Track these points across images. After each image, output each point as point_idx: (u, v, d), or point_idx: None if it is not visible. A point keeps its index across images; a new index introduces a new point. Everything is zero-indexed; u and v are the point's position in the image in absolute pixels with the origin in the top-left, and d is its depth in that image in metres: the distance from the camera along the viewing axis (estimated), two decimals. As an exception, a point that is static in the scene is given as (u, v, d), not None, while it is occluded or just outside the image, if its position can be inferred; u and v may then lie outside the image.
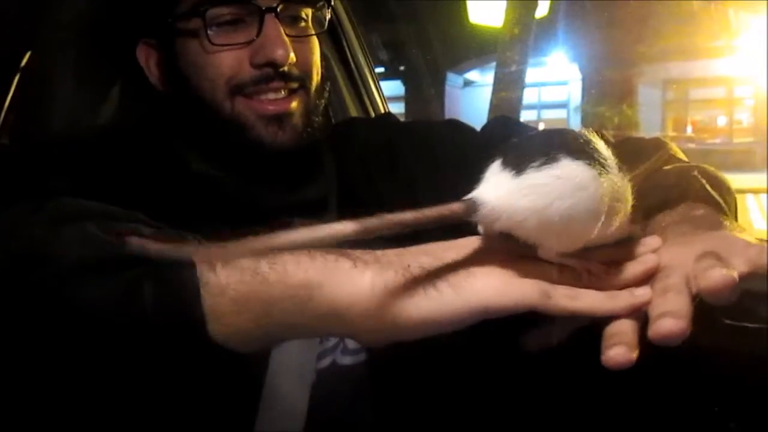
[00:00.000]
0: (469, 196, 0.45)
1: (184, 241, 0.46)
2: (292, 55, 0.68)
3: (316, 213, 0.73)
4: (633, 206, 0.46)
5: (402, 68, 11.04)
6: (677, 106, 12.15)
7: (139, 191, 0.67)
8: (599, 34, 9.56)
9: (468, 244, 0.47)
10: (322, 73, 0.75)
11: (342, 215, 0.76)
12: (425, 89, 10.85)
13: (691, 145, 10.83)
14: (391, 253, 0.46)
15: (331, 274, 0.43)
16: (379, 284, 0.43)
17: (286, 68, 0.68)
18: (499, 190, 0.43)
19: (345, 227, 0.44)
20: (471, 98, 11.81)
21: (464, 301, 0.42)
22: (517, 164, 0.43)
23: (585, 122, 10.86)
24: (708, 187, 0.60)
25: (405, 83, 11.27)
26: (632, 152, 0.68)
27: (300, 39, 0.71)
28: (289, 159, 0.70)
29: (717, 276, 0.39)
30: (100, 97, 0.85)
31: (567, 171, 0.41)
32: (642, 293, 0.43)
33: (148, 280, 0.43)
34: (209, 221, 0.69)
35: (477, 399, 0.72)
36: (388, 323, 0.43)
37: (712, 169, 0.66)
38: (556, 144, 0.43)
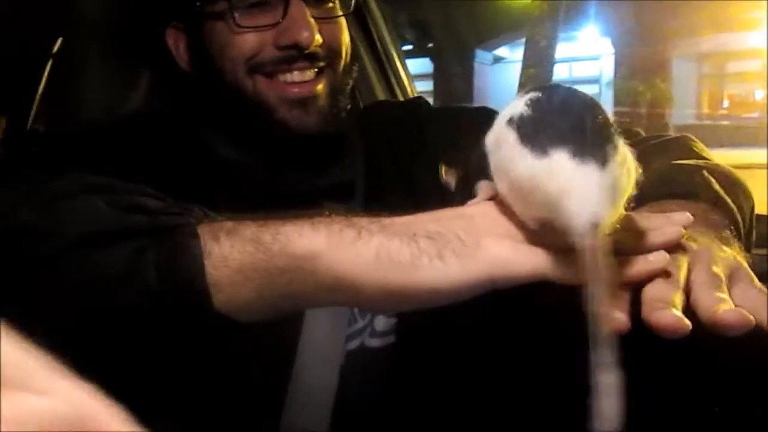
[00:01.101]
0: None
1: (190, 213, 0.47)
2: (317, 36, 0.67)
3: (344, 197, 0.74)
4: (636, 198, 0.45)
5: (430, 45, 10.93)
6: (713, 80, 11.85)
7: (166, 177, 0.68)
8: (632, 7, 9.35)
9: (476, 212, 0.46)
10: (350, 54, 0.74)
11: (369, 199, 0.77)
12: (453, 66, 10.75)
13: (725, 122, 10.57)
14: (398, 222, 0.45)
15: (335, 245, 0.43)
16: (384, 254, 0.42)
17: (312, 49, 0.68)
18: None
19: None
20: (500, 75, 11.67)
21: (470, 271, 0.42)
22: None
23: (617, 97, 10.67)
24: (717, 186, 0.57)
25: (433, 60, 11.17)
26: (653, 150, 0.66)
27: (327, 20, 0.70)
28: (316, 142, 0.70)
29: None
30: (130, 83, 0.86)
31: (499, 136, 0.44)
32: (656, 259, 0.42)
33: (151, 251, 0.43)
34: (236, 206, 0.70)
35: (504, 381, 0.72)
36: (394, 293, 0.42)
37: (728, 168, 0.63)
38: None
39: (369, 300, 0.43)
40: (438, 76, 11.16)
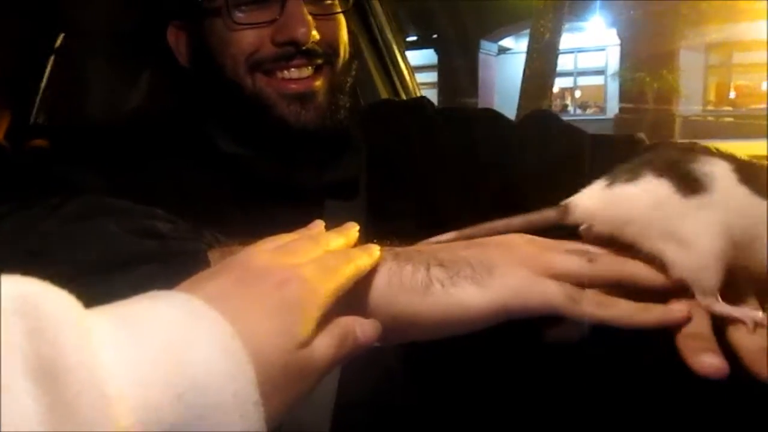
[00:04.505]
0: (564, 202, 0.46)
1: (201, 238, 0.46)
2: (314, 33, 0.68)
3: (346, 195, 0.74)
4: None
5: (435, 36, 10.90)
6: (720, 70, 11.78)
7: (171, 176, 0.68)
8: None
9: (491, 242, 0.45)
10: (350, 51, 0.74)
11: (372, 199, 0.77)
12: (458, 58, 10.72)
13: (724, 119, 10.52)
14: (411, 249, 0.44)
15: None
16: (396, 280, 0.41)
17: (309, 46, 0.68)
18: (590, 199, 0.45)
19: (445, 236, 0.47)
20: (506, 66, 11.63)
21: (485, 301, 0.41)
22: (614, 176, 0.44)
23: (623, 88, 10.62)
24: None
25: (438, 52, 11.14)
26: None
27: (325, 17, 0.70)
28: (316, 139, 0.70)
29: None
30: (131, 79, 0.86)
31: (645, 187, 0.42)
32: (679, 309, 0.41)
33: (161, 278, 0.42)
34: (241, 202, 0.70)
35: (509, 383, 0.72)
36: (405, 320, 0.41)
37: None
38: (647, 160, 0.44)
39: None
40: (443, 67, 11.14)
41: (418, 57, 11.77)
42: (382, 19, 1.12)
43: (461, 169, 0.76)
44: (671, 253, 0.41)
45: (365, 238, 0.45)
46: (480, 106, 10.56)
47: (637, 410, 0.68)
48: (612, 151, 0.70)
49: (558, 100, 12.69)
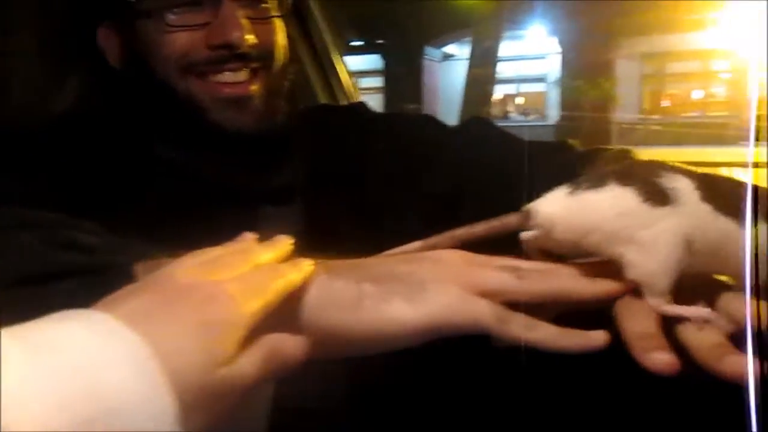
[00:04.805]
0: (526, 207, 0.46)
1: (128, 250, 0.45)
2: (250, 36, 0.67)
3: (285, 200, 0.73)
4: None
5: (380, 42, 10.96)
6: (654, 79, 12.21)
7: (104, 180, 0.66)
8: (578, 7, 9.56)
9: (426, 257, 0.45)
10: (287, 55, 0.74)
11: (310, 203, 0.76)
12: (403, 63, 10.79)
13: (656, 128, 10.91)
14: (344, 264, 0.44)
15: None
16: (327, 297, 0.41)
17: (244, 50, 0.67)
18: (552, 205, 0.45)
19: (411, 246, 0.47)
20: (450, 72, 11.77)
21: (416, 318, 0.40)
22: (576, 184, 0.45)
23: (563, 96, 10.90)
24: None
25: (383, 57, 11.20)
26: (592, 162, 0.67)
27: (261, 21, 0.70)
28: (252, 144, 0.70)
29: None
30: (59, 81, 0.84)
31: (610, 195, 0.43)
32: (597, 337, 0.42)
33: (84, 293, 0.39)
34: (176, 208, 0.69)
35: (452, 389, 0.72)
36: (335, 338, 0.41)
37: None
38: (611, 170, 0.45)
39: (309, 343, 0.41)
40: (388, 72, 11.20)
41: (364, 62, 11.83)
42: (321, 24, 1.11)
43: (399, 174, 0.77)
44: (630, 256, 0.42)
45: (305, 245, 0.45)
46: (424, 112, 10.67)
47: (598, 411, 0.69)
48: (546, 158, 0.71)
49: (501, 106, 12.91)
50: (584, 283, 0.44)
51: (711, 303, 0.44)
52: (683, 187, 0.43)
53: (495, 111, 12.22)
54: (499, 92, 12.86)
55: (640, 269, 0.42)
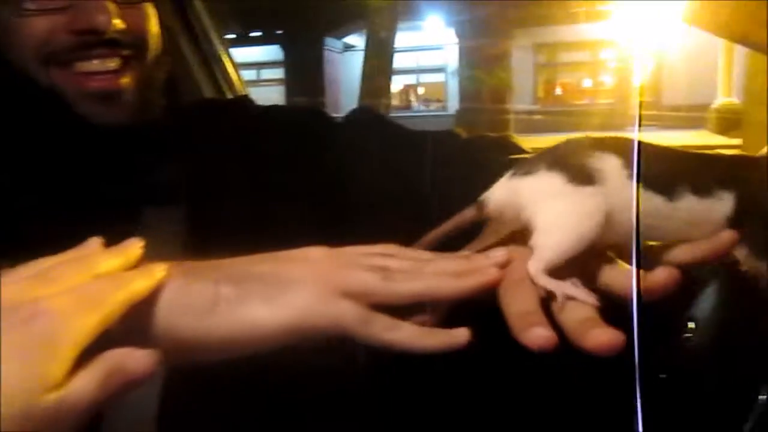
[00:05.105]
0: (480, 198, 0.47)
1: None
2: (117, 21, 0.62)
3: (166, 201, 0.69)
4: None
5: (280, 32, 10.82)
6: (547, 69, 12.71)
7: None
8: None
9: (291, 256, 0.44)
10: (162, 45, 0.70)
11: (194, 204, 0.72)
12: (303, 54, 10.71)
13: (538, 117, 11.39)
14: (204, 265, 0.42)
15: None
16: (180, 303, 0.39)
17: (112, 35, 0.62)
18: (497, 193, 0.47)
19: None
20: (351, 63, 11.78)
21: (275, 321, 0.39)
22: (514, 170, 0.46)
23: (462, 86, 11.16)
24: None
25: (283, 48, 11.08)
26: (477, 150, 0.70)
27: (130, 6, 0.65)
28: (126, 140, 0.65)
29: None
30: None
31: (537, 181, 0.45)
32: (460, 335, 0.42)
33: None
34: (46, 214, 0.63)
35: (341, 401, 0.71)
36: (189, 345, 0.39)
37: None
38: (544, 154, 0.46)
39: (161, 349, 0.39)
40: (288, 64, 11.09)
41: (264, 54, 11.65)
42: (203, 14, 1.07)
43: (285, 171, 0.74)
44: (540, 224, 0.44)
45: (191, 246, 0.42)
46: (327, 103, 10.68)
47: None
48: (433, 146, 0.71)
49: (401, 97, 13.08)
50: (450, 282, 0.43)
51: (594, 277, 0.45)
52: (610, 168, 0.44)
53: (396, 101, 12.37)
54: (399, 83, 13.02)
55: (542, 236, 0.43)
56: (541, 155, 0.47)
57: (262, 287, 0.40)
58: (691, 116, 9.34)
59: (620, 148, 0.45)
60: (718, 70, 9.03)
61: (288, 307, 0.39)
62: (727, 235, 0.44)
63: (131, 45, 0.64)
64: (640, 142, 0.45)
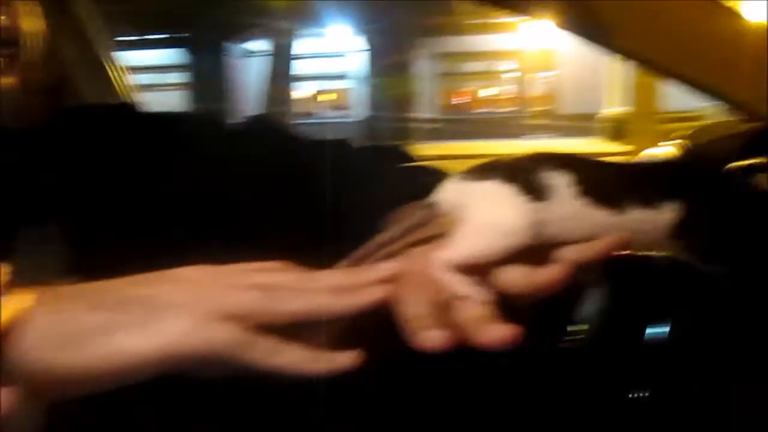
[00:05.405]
0: (428, 201, 0.47)
1: None
2: None
3: (42, 215, 0.65)
4: None
5: (183, 36, 10.57)
6: (449, 78, 13.02)
7: None
8: (377, 6, 9.91)
9: (167, 277, 0.42)
10: (43, 46, 0.66)
11: (71, 218, 0.68)
12: (205, 58, 10.49)
13: (449, 124, 11.67)
14: (73, 292, 0.40)
15: None
16: (46, 334, 0.36)
17: None
18: (451, 193, 0.47)
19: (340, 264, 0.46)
20: (253, 68, 11.62)
21: (150, 349, 0.37)
22: (465, 175, 0.47)
23: (367, 93, 11.23)
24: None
25: (187, 52, 10.83)
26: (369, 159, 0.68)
27: (6, 2, 0.61)
28: (4, 145, 0.61)
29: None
30: None
31: (490, 187, 0.45)
32: (344, 359, 0.41)
33: None
34: None
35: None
36: (53, 379, 0.36)
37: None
38: (501, 163, 0.47)
39: (25, 384, 0.36)
40: (192, 67, 10.83)
41: (167, 57, 11.31)
42: (88, 15, 1.02)
43: (172, 182, 0.71)
44: (471, 219, 0.44)
45: (68, 266, 0.39)
46: (230, 109, 10.48)
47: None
48: (323, 153, 0.70)
49: (306, 103, 13.02)
50: (335, 300, 0.42)
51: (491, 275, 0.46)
52: (560, 185, 0.45)
53: (301, 108, 12.31)
54: (305, 89, 12.96)
55: (466, 235, 0.44)
56: (497, 165, 0.47)
57: (136, 313, 0.38)
58: (583, 125, 9.80)
59: (573, 165, 0.46)
60: (607, 81, 9.56)
61: (161, 334, 0.37)
62: (616, 238, 0.46)
63: (3, 44, 0.61)
64: (587, 158, 0.48)
